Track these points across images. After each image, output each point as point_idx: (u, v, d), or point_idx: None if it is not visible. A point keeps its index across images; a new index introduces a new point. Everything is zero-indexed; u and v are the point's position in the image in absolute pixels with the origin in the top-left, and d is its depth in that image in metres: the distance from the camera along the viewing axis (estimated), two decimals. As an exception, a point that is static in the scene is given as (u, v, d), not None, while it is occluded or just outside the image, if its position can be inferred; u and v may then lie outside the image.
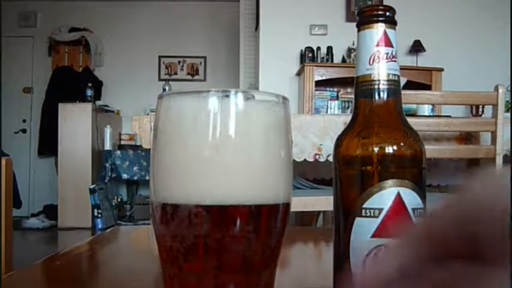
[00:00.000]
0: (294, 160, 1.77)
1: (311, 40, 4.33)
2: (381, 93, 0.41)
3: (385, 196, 0.38)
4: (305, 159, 1.82)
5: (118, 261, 0.70)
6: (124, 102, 5.92)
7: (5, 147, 5.01)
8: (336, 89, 4.28)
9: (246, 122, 0.36)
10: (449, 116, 2.19)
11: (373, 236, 0.38)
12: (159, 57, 6.25)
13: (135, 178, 5.16)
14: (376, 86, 0.41)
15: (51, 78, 5.77)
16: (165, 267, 0.37)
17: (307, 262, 0.77)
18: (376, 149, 0.40)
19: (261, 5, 4.39)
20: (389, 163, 0.39)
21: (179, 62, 6.32)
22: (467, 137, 1.98)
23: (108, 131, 5.30)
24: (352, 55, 4.21)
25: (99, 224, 4.19)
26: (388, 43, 0.41)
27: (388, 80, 0.41)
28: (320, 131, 1.82)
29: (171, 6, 6.14)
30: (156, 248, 0.37)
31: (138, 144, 5.24)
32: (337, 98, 4.27)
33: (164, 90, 4.74)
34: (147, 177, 4.80)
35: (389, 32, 0.41)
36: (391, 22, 0.41)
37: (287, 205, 0.38)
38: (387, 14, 0.41)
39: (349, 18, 4.33)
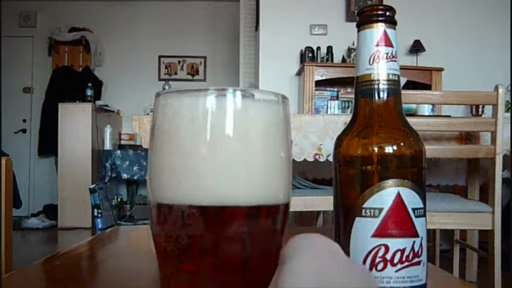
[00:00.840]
0: (294, 160, 1.77)
1: (311, 40, 4.33)
2: (381, 93, 0.41)
3: (385, 196, 0.38)
4: (305, 159, 1.82)
5: (118, 261, 0.70)
6: (124, 102, 5.92)
7: (5, 147, 5.01)
8: (335, 89, 4.28)
9: (244, 121, 0.35)
10: (449, 116, 2.19)
11: (373, 235, 0.38)
12: (159, 57, 6.25)
13: (135, 178, 5.16)
14: (376, 86, 0.41)
15: (51, 78, 5.77)
16: (161, 267, 0.37)
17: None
18: (376, 149, 0.39)
19: (261, 5, 4.39)
20: (389, 163, 0.39)
21: (179, 62, 6.32)
22: (467, 137, 1.98)
23: (108, 130, 5.30)
24: (352, 55, 4.21)
25: (99, 224, 4.18)
26: (388, 43, 0.41)
27: (388, 80, 0.41)
28: (320, 131, 1.82)
29: (171, 6, 6.14)
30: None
31: (138, 144, 5.25)
32: (337, 98, 4.26)
33: (164, 90, 4.73)
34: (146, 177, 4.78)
35: (389, 31, 0.41)
36: (391, 22, 0.41)
37: (286, 205, 0.37)
38: (387, 13, 0.41)
39: (349, 18, 4.33)
